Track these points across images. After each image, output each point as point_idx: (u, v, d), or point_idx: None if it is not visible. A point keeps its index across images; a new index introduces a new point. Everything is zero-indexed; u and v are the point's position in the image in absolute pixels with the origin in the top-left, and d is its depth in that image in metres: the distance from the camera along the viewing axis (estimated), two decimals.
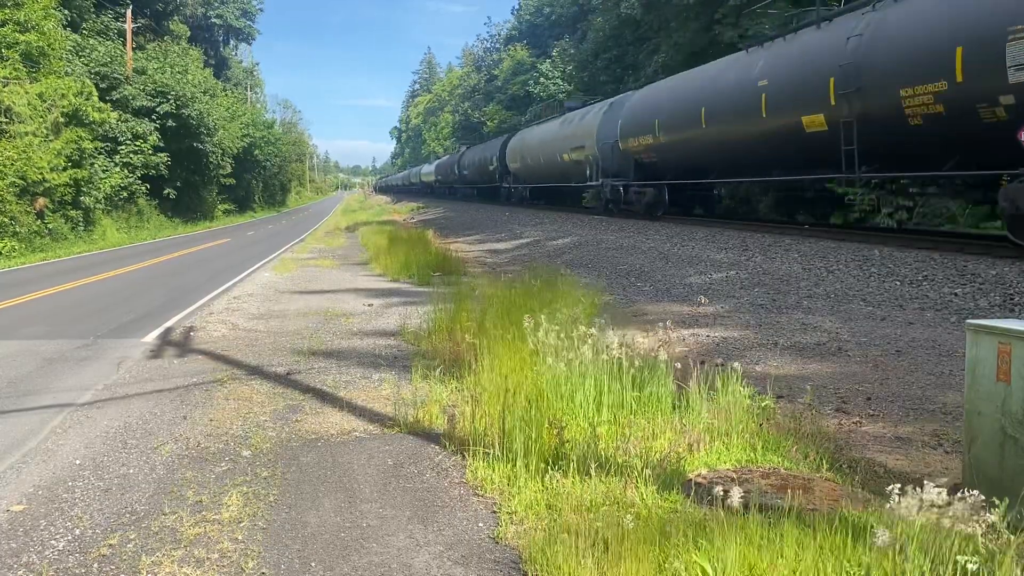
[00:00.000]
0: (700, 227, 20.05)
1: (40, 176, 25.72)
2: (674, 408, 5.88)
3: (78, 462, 5.60)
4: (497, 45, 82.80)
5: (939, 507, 3.27)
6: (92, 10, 41.01)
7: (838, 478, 4.77)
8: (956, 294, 10.27)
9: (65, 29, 34.23)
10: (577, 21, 54.27)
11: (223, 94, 56.61)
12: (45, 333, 11.09)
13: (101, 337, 10.77)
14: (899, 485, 3.43)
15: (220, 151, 47.57)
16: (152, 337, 10.74)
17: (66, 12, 34.77)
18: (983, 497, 3.31)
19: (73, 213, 29.27)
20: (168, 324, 11.69)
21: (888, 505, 3.43)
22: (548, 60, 55.26)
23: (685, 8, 31.33)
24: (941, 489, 3.32)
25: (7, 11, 27.52)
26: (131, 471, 5.39)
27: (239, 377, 8.11)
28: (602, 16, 42.17)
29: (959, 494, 3.33)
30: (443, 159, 75.30)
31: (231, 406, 6.98)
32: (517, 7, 77.45)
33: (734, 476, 4.77)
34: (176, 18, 55.91)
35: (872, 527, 3.47)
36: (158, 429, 6.36)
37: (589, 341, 6.33)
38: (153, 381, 8.10)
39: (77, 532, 4.41)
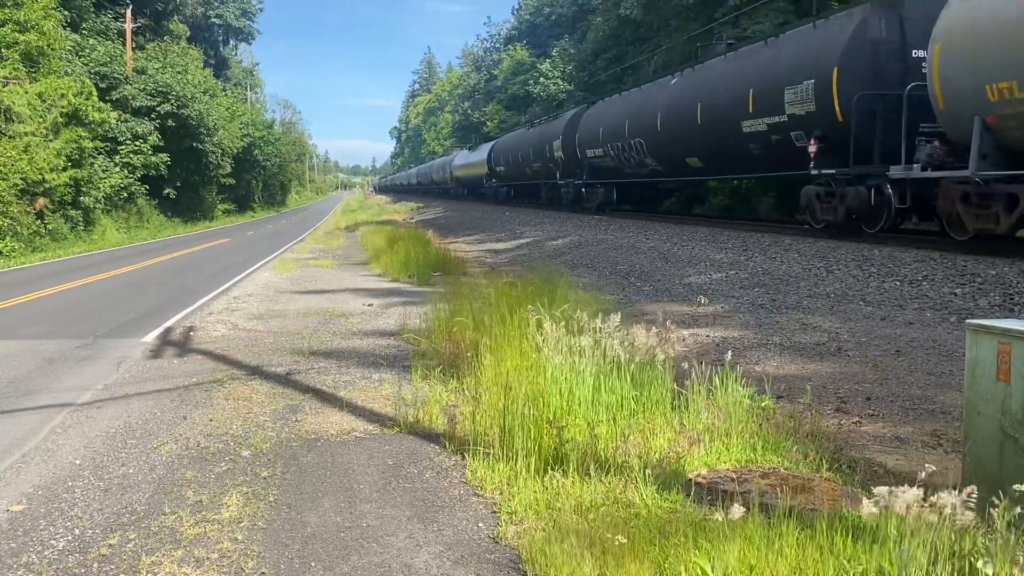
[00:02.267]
0: (700, 227, 20.06)
1: (40, 176, 25.72)
2: (673, 408, 5.89)
3: (78, 462, 5.60)
4: (497, 45, 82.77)
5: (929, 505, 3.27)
6: (92, 10, 40.96)
7: (838, 478, 4.77)
8: (956, 294, 10.27)
9: (65, 29, 34.20)
10: (577, 21, 54.30)
11: (223, 94, 56.59)
12: (45, 333, 11.09)
13: (101, 337, 10.76)
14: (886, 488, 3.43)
15: (220, 151, 47.56)
16: (152, 337, 10.74)
17: (66, 12, 34.73)
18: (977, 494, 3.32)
19: (73, 213, 29.28)
20: (168, 324, 11.69)
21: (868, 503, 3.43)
22: (548, 60, 55.21)
23: (684, 8, 31.36)
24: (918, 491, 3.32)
25: (7, 11, 27.52)
26: (131, 471, 5.39)
27: (239, 377, 8.11)
28: (601, 16, 42.23)
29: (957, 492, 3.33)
30: (504, 139, 48.30)
31: (231, 406, 6.98)
32: (517, 7, 77.43)
33: (734, 476, 4.77)
34: (176, 18, 55.86)
35: (873, 527, 3.47)
36: (158, 429, 6.36)
37: (588, 341, 6.33)
38: (153, 381, 8.09)
39: (77, 532, 4.41)
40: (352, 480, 5.16)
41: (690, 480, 4.72)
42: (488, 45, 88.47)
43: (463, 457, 5.39)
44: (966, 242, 12.70)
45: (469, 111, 78.60)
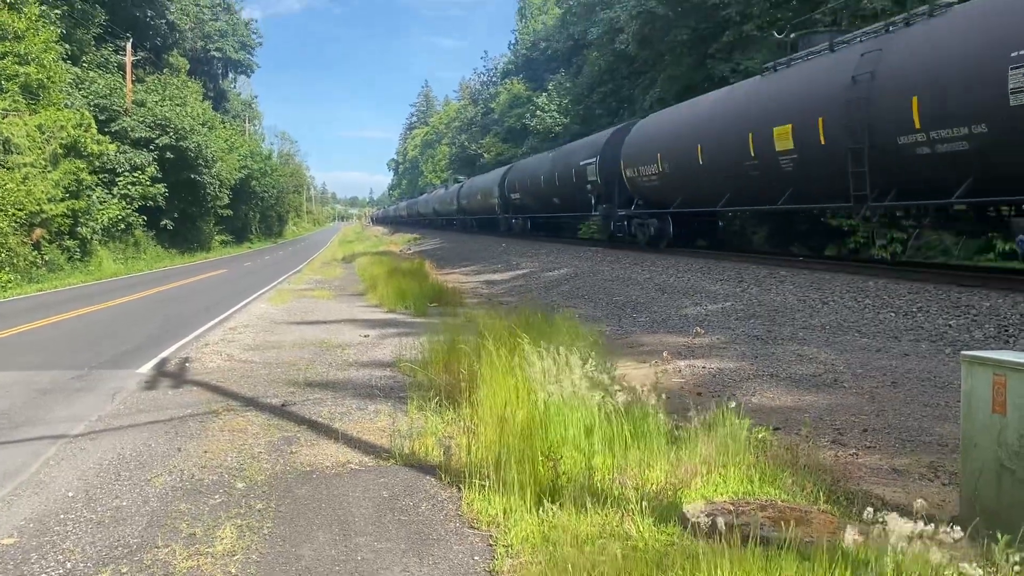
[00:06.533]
0: (696, 258, 20.13)
1: (38, 207, 25.80)
2: (670, 440, 5.86)
3: (71, 494, 5.55)
4: (494, 79, 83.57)
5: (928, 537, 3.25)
6: (92, 43, 41.37)
7: (835, 510, 4.75)
8: (951, 326, 10.30)
9: (66, 62, 34.50)
10: (572, 56, 54.85)
11: (221, 126, 56.96)
12: (40, 364, 11.05)
13: (96, 368, 10.72)
14: (879, 512, 3.41)
15: (218, 182, 47.80)
16: (147, 368, 10.70)
17: (67, 45, 35.08)
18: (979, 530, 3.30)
19: (70, 244, 29.32)
20: (163, 355, 11.66)
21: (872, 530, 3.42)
22: (544, 94, 55.70)
23: (678, 44, 31.74)
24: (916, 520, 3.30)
25: (8, 44, 27.76)
26: (124, 503, 5.34)
27: (234, 408, 8.07)
28: (597, 51, 42.74)
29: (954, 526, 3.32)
30: (522, 163, 42.15)
31: (226, 438, 6.94)
32: (513, 42, 78.41)
33: (731, 508, 4.74)
34: (176, 51, 56.41)
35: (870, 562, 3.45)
36: (152, 461, 6.32)
37: (585, 373, 6.32)
38: (148, 412, 8.05)
39: (68, 565, 4.37)
40: (347, 513, 5.12)
41: (687, 513, 4.69)
42: (485, 79, 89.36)
43: (459, 489, 5.36)
44: (960, 274, 12.76)
45: (466, 143, 79.05)
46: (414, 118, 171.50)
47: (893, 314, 11.26)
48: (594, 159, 26.99)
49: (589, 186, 28.28)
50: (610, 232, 27.28)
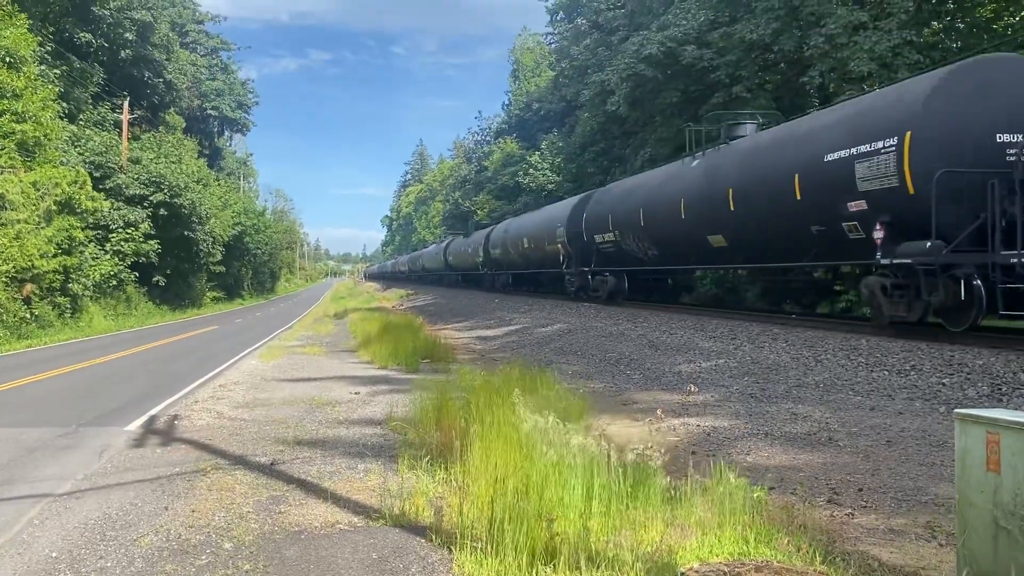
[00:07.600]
0: (688, 315, 20.17)
1: (29, 263, 25.78)
2: (665, 500, 5.80)
3: (54, 555, 5.44)
4: (487, 138, 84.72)
5: None
6: (90, 102, 41.88)
7: (832, 571, 4.69)
8: (944, 384, 10.30)
9: (63, 120, 34.83)
10: (565, 116, 55.76)
11: (216, 183, 57.33)
12: (27, 421, 10.91)
13: (84, 425, 10.60)
14: None
15: (211, 239, 47.90)
16: (136, 426, 10.58)
17: (64, 104, 35.45)
18: None
19: (61, 300, 29.19)
20: (152, 412, 11.54)
21: None
22: (537, 152, 56.49)
23: (669, 105, 32.30)
24: None
25: (6, 102, 28.03)
26: (109, 564, 5.23)
27: (222, 467, 7.96)
28: (589, 112, 43.50)
29: None
30: (618, 187, 27.28)
31: (213, 497, 6.84)
32: (507, 103, 79.76)
33: (726, 570, 4.68)
34: (172, 110, 57.05)
35: None
36: (138, 520, 6.21)
37: (579, 431, 6.28)
38: (135, 471, 7.94)
39: None
40: (336, 574, 5.03)
41: (682, 574, 4.62)
42: (479, 138, 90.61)
43: (450, 551, 5.27)
44: (952, 332, 12.79)
45: (460, 200, 79.75)
46: (408, 175, 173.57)
47: (887, 372, 11.26)
48: (877, 146, 12.88)
49: (860, 204, 13.48)
50: (948, 298, 12.37)
